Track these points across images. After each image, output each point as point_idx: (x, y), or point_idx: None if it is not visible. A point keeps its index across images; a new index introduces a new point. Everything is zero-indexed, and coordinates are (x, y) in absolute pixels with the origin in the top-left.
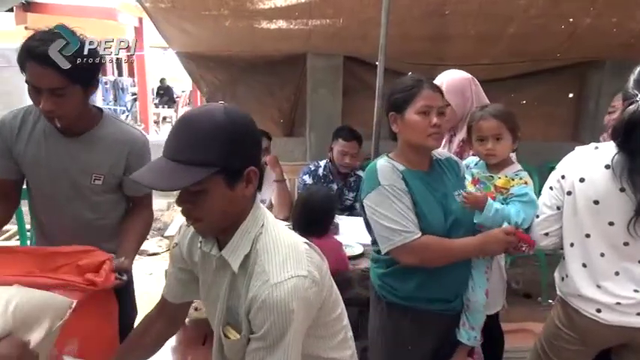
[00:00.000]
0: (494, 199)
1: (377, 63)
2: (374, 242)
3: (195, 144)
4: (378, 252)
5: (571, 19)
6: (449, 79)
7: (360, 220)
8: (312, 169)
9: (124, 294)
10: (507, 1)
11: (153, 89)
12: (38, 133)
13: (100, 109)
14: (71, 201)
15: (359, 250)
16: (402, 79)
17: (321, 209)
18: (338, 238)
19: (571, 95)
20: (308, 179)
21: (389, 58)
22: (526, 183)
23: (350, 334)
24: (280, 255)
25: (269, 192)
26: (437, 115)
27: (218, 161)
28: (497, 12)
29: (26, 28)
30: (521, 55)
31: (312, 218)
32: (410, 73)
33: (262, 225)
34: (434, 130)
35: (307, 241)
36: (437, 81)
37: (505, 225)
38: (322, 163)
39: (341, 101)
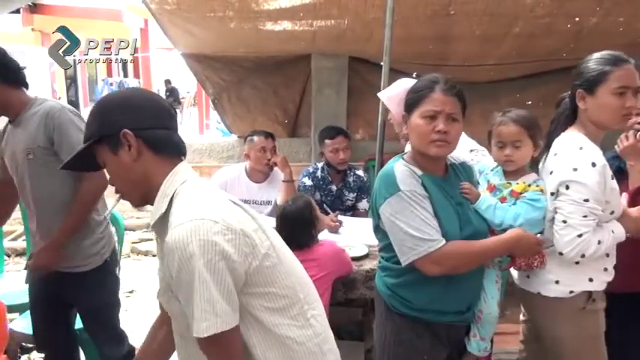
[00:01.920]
0: (504, 201)
1: (382, 64)
2: (383, 249)
3: (86, 125)
4: (388, 259)
5: (577, 19)
6: (390, 91)
7: (362, 220)
8: (311, 171)
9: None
10: (513, 1)
11: (158, 90)
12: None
13: (34, 97)
14: (23, 181)
15: (363, 250)
16: (421, 79)
17: (296, 222)
18: (341, 237)
19: None
20: (308, 181)
21: (394, 58)
22: (542, 191)
23: (314, 312)
24: (190, 202)
25: (275, 192)
26: (445, 121)
27: (96, 132)
28: (502, 12)
29: (33, 29)
30: (527, 55)
31: (292, 233)
32: (415, 73)
33: (183, 182)
34: (437, 137)
35: (238, 201)
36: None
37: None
38: (319, 165)
39: (346, 101)
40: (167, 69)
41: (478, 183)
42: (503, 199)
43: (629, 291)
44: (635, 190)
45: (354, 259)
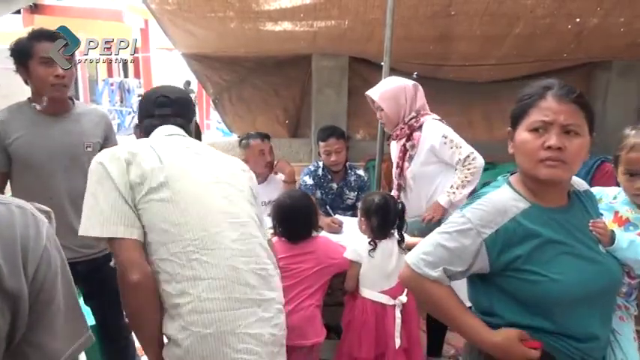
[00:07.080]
0: None
1: (382, 64)
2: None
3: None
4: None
5: (578, 19)
6: (383, 87)
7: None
8: (312, 169)
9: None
10: (514, 1)
11: None
12: (27, 121)
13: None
14: (69, 172)
15: None
16: (532, 85)
17: (298, 212)
18: (342, 237)
19: None
20: (309, 180)
21: (394, 58)
22: None
23: (203, 258)
24: None
25: (275, 193)
26: (559, 134)
27: None
28: (503, 12)
29: (33, 29)
30: (528, 55)
31: (292, 223)
32: (415, 73)
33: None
34: (547, 155)
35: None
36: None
37: None
38: (320, 163)
39: (346, 102)
40: (167, 69)
41: (601, 214)
42: None
43: None
44: None
45: None
